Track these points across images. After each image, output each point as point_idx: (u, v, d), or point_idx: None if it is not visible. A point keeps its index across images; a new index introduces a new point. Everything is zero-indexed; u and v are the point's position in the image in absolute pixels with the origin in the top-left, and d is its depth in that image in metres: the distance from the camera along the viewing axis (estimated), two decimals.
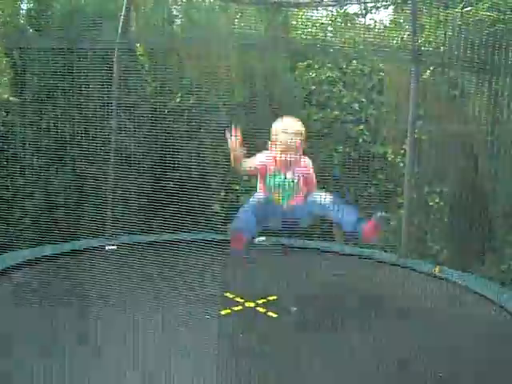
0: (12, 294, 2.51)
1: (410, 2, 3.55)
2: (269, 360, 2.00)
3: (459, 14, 3.45)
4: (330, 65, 4.30)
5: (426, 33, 3.67)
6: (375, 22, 4.23)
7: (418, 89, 3.47)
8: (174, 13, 4.33)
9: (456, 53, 3.36)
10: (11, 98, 3.68)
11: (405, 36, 3.80)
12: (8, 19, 3.71)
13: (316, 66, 4.31)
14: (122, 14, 3.44)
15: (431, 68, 3.80)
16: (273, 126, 2.56)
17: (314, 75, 4.28)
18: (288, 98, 4.15)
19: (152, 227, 3.55)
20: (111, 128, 3.47)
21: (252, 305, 2.48)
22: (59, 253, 3.07)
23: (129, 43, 3.66)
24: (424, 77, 3.77)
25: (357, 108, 4.23)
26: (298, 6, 3.91)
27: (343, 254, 3.49)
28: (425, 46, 3.69)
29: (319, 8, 4.11)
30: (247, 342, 2.12)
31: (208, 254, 2.87)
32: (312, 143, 4.14)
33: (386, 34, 4.02)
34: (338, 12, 4.13)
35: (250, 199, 2.47)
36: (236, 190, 4.13)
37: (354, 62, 4.29)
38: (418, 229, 3.96)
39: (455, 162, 3.75)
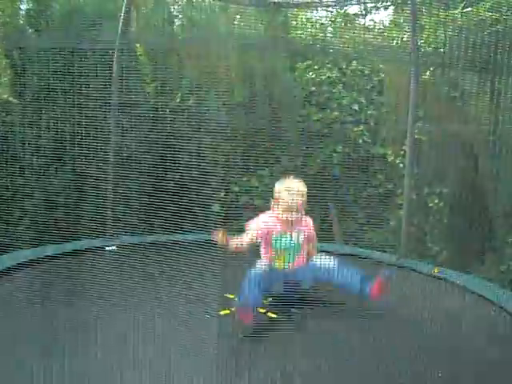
0: (11, 295, 2.50)
1: (409, 2, 3.55)
2: (269, 359, 2.00)
3: (460, 15, 3.45)
4: (329, 65, 4.30)
5: (426, 33, 3.67)
6: (375, 22, 4.23)
7: (417, 89, 3.47)
8: (174, 13, 4.33)
9: (456, 53, 3.36)
10: (11, 99, 3.68)
11: (405, 37, 3.80)
12: (7, 19, 3.71)
13: (316, 67, 4.31)
14: (122, 14, 3.44)
15: (431, 68, 3.80)
16: (276, 185, 2.56)
17: (313, 76, 4.28)
18: (288, 99, 4.15)
19: (152, 227, 3.54)
20: (111, 128, 3.47)
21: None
22: (59, 253, 3.07)
23: (129, 43, 3.65)
24: (424, 77, 3.77)
25: (356, 109, 4.23)
26: (297, 6, 3.91)
27: (342, 255, 3.48)
28: (425, 47, 3.70)
29: (319, 8, 4.11)
30: (247, 342, 2.11)
31: (207, 255, 2.86)
32: (312, 144, 4.18)
33: (386, 35, 4.02)
34: (337, 12, 4.13)
35: (253, 270, 2.42)
36: (235, 190, 4.13)
37: (354, 62, 4.29)
38: (418, 229, 3.96)
39: (455, 162, 3.75)
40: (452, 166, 3.78)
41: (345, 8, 4.10)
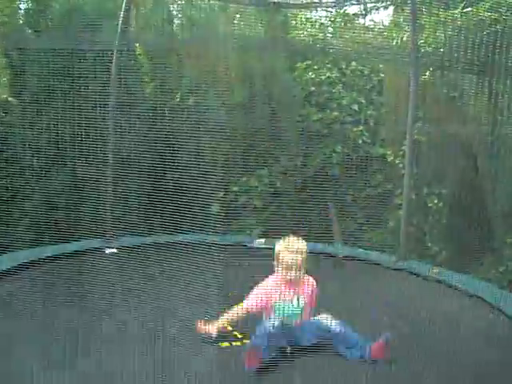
0: (9, 296, 2.51)
1: (409, 2, 3.54)
2: None
3: (459, 15, 3.45)
4: (329, 65, 4.30)
5: (426, 33, 3.66)
6: (375, 22, 4.22)
7: (417, 90, 3.46)
8: (174, 12, 4.32)
9: (456, 53, 3.35)
10: (10, 99, 3.68)
11: (404, 37, 3.79)
12: (6, 19, 3.70)
13: (315, 67, 4.30)
14: (121, 13, 3.43)
15: (431, 69, 3.79)
16: (276, 247, 2.51)
17: (313, 76, 4.28)
18: (287, 99, 4.15)
19: (151, 228, 3.54)
20: (110, 128, 3.47)
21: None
22: (58, 254, 3.08)
23: (128, 43, 3.65)
24: (423, 78, 3.77)
25: (356, 109, 4.23)
26: (297, 6, 3.90)
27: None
28: (424, 47, 3.69)
29: (319, 9, 4.10)
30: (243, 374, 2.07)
31: (206, 255, 2.86)
32: (312, 144, 4.18)
33: (386, 35, 4.01)
34: (337, 13, 4.12)
35: (261, 328, 2.31)
36: (235, 190, 4.13)
37: (354, 62, 4.28)
38: (417, 230, 3.96)
39: (454, 163, 3.75)
40: (451, 166, 3.78)
41: (344, 8, 4.09)
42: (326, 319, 2.36)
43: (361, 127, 4.19)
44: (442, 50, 3.64)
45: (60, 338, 2.06)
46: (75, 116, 3.56)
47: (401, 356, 2.12)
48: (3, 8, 3.64)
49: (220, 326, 2.40)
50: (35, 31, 3.61)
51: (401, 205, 3.72)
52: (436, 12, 3.62)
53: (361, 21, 4.17)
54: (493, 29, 3.37)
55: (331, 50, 4.13)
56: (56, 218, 3.44)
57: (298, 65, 4.29)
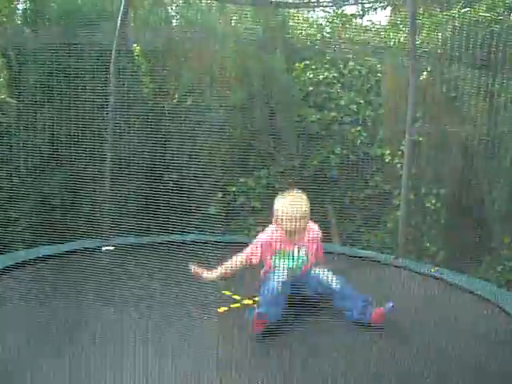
0: (6, 296, 2.49)
1: (405, 1, 3.55)
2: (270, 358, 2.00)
3: (457, 15, 3.46)
4: (327, 65, 4.30)
5: (424, 33, 3.68)
6: (373, 22, 4.23)
7: (415, 90, 3.47)
8: (172, 13, 4.33)
9: (454, 53, 3.36)
10: (8, 99, 3.67)
11: (402, 37, 3.81)
12: (4, 19, 3.70)
13: (313, 67, 4.31)
14: (120, 14, 3.43)
15: (429, 69, 3.80)
16: (275, 202, 2.44)
17: (311, 76, 4.28)
18: (285, 99, 4.15)
19: (148, 228, 3.53)
20: (108, 129, 3.46)
21: (250, 302, 2.45)
22: (55, 254, 3.06)
23: (126, 44, 3.65)
24: (422, 78, 3.78)
25: (354, 109, 4.23)
26: (295, 6, 3.91)
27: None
28: (422, 47, 3.70)
29: (317, 9, 4.11)
30: (246, 339, 2.10)
31: (204, 255, 2.86)
32: (310, 144, 4.18)
33: (384, 35, 4.02)
34: (335, 13, 4.13)
35: (266, 289, 2.26)
36: (233, 191, 4.13)
37: (352, 62, 4.29)
38: (415, 230, 3.97)
39: (452, 163, 3.76)
40: (449, 166, 3.79)
41: (342, 8, 4.10)
42: (327, 275, 2.32)
43: (359, 128, 4.19)
44: (439, 50, 3.65)
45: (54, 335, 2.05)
46: (73, 116, 3.56)
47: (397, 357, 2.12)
48: (1, 8, 3.64)
49: (217, 273, 2.36)
50: (33, 31, 3.61)
51: (399, 205, 3.72)
52: (433, 13, 3.64)
53: (358, 21, 4.19)
54: (490, 29, 3.39)
55: (329, 50, 4.14)
56: (53, 219, 3.43)
57: (296, 65, 4.30)
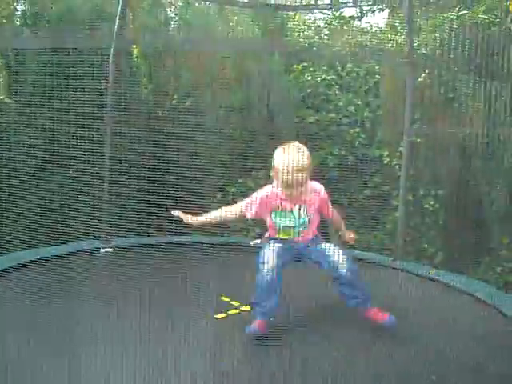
0: (4, 296, 2.49)
1: (402, 3, 3.56)
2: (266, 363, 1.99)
3: (455, 17, 3.47)
4: (325, 67, 4.31)
5: (422, 35, 3.69)
6: (371, 24, 4.25)
7: (413, 91, 3.48)
8: (171, 15, 4.33)
9: (452, 56, 3.37)
10: (6, 100, 3.67)
11: (400, 39, 3.82)
12: (4, 20, 3.70)
13: (312, 69, 4.32)
14: (118, 15, 3.43)
15: (426, 71, 3.81)
16: (275, 156, 2.32)
17: (309, 78, 4.29)
18: (284, 101, 4.15)
19: (147, 229, 3.54)
20: (106, 130, 3.46)
21: (248, 309, 2.44)
22: (53, 255, 3.06)
23: (124, 45, 3.65)
24: (420, 80, 3.79)
25: (352, 111, 4.24)
26: (294, 8, 3.92)
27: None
28: (420, 49, 3.71)
29: (315, 11, 4.12)
30: (244, 345, 2.10)
31: (203, 257, 2.86)
32: (308, 146, 4.18)
33: (382, 37, 4.03)
34: (333, 15, 4.14)
35: (265, 250, 2.19)
36: (232, 192, 4.13)
37: (350, 64, 4.30)
38: (414, 231, 3.97)
39: (450, 164, 3.77)
40: (447, 167, 3.80)
41: (340, 11, 4.11)
42: (334, 252, 2.22)
43: (357, 129, 4.20)
44: (437, 52, 3.66)
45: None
46: (72, 117, 3.56)
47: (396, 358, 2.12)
48: (0, 9, 3.64)
49: (207, 218, 2.30)
50: (32, 32, 3.61)
51: (397, 206, 3.73)
52: (432, 15, 3.65)
53: (357, 23, 4.20)
54: (488, 31, 3.40)
55: (327, 52, 4.14)
56: (51, 220, 3.42)
57: (295, 67, 4.31)
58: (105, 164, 3.46)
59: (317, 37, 4.25)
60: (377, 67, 4.24)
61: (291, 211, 2.28)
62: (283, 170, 2.20)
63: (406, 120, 3.50)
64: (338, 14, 4.20)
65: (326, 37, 4.26)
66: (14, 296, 2.49)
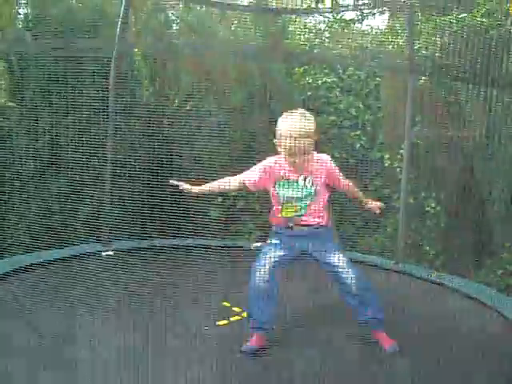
0: (5, 300, 2.49)
1: (407, 7, 3.57)
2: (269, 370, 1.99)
3: (455, 20, 3.48)
4: (326, 70, 4.32)
5: (423, 39, 3.69)
6: (371, 27, 4.26)
7: (414, 94, 3.48)
8: (172, 18, 4.34)
9: (451, 58, 3.38)
10: (9, 103, 3.68)
11: (401, 41, 3.82)
12: (5, 23, 3.70)
13: (312, 72, 4.33)
14: (120, 19, 3.44)
15: (427, 74, 3.82)
16: (278, 123, 2.18)
17: (310, 80, 4.30)
18: (285, 103, 4.16)
19: (149, 233, 3.54)
20: (108, 133, 3.47)
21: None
22: (54, 259, 3.07)
23: (127, 48, 3.66)
24: (421, 82, 3.79)
25: (353, 113, 4.25)
26: (295, 12, 3.93)
27: None
28: (421, 52, 3.71)
29: (316, 14, 4.13)
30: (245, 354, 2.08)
31: (204, 260, 2.86)
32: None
33: (383, 40, 4.04)
34: (334, 18, 4.15)
35: (261, 255, 2.10)
36: (233, 195, 4.13)
37: (351, 67, 4.30)
38: (415, 234, 3.97)
39: (451, 167, 3.77)
40: (448, 170, 3.80)
41: (341, 14, 4.12)
42: (344, 269, 2.10)
43: (358, 131, 4.20)
44: (437, 54, 3.66)
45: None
46: (74, 121, 3.57)
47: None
48: (2, 12, 3.65)
49: (205, 188, 2.21)
50: (34, 35, 3.62)
51: (398, 208, 3.72)
52: (432, 18, 3.65)
53: (358, 26, 4.21)
54: (488, 34, 3.40)
55: (328, 55, 4.15)
56: (53, 223, 3.43)
57: (296, 69, 4.32)
58: (106, 167, 3.46)
59: (317, 40, 4.26)
60: (377, 70, 4.25)
61: (296, 182, 2.16)
62: (286, 135, 2.09)
63: (406, 122, 3.50)
64: (338, 17, 4.21)
65: (326, 39, 4.27)
66: (15, 299, 2.49)
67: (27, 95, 3.57)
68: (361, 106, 4.25)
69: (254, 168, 2.26)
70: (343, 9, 4.00)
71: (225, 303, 2.46)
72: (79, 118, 3.53)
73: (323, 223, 2.23)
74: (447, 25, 3.50)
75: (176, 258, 2.97)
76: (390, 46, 3.94)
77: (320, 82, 4.29)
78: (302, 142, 2.07)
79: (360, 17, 4.11)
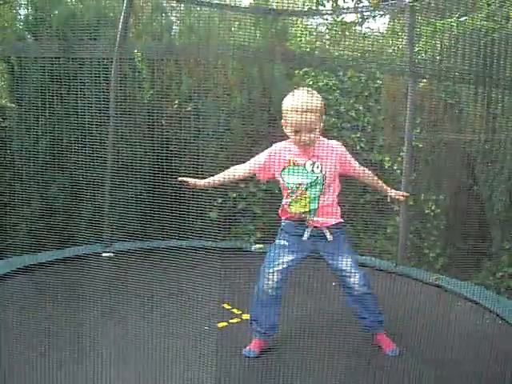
0: (6, 301, 2.50)
1: (407, 10, 3.57)
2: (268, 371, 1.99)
3: (455, 23, 3.48)
4: (326, 72, 4.32)
5: (423, 41, 3.70)
6: (372, 29, 4.26)
7: (414, 97, 3.49)
8: (173, 19, 4.35)
9: (452, 61, 3.38)
10: (9, 104, 3.68)
11: (401, 44, 3.83)
12: (6, 25, 3.71)
13: (313, 74, 4.33)
14: (121, 21, 3.45)
15: (427, 76, 3.82)
16: (283, 102, 2.09)
17: (311, 82, 4.30)
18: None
19: (149, 234, 3.54)
20: (108, 134, 3.48)
21: (249, 317, 2.44)
22: (55, 260, 3.07)
23: (127, 50, 3.66)
24: (421, 85, 3.80)
25: (354, 115, 4.25)
26: (295, 14, 3.94)
27: None
28: (421, 55, 3.72)
29: (316, 16, 4.13)
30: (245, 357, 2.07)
31: (204, 261, 2.86)
32: None
33: (383, 42, 4.05)
34: (335, 21, 4.15)
35: (270, 254, 2.05)
36: (233, 197, 4.13)
37: (351, 69, 4.31)
38: (415, 236, 3.97)
39: (452, 169, 3.77)
40: (448, 172, 3.80)
41: (342, 16, 4.13)
42: (352, 272, 2.05)
43: (358, 134, 4.21)
44: (438, 57, 3.67)
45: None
46: (74, 122, 3.57)
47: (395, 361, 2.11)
48: (3, 14, 3.65)
49: (212, 181, 2.14)
50: (34, 37, 3.63)
51: (398, 211, 3.73)
52: (432, 21, 3.66)
53: (358, 28, 4.21)
54: (489, 37, 3.41)
55: (328, 58, 4.15)
56: (53, 224, 3.43)
57: (296, 72, 4.32)
58: (107, 168, 3.47)
59: (318, 42, 4.26)
60: (377, 72, 4.25)
61: (303, 166, 2.07)
62: (291, 110, 2.00)
63: (407, 125, 3.51)
64: (339, 19, 4.21)
65: (327, 42, 4.27)
66: (15, 300, 2.49)
67: (27, 96, 3.57)
68: (361, 108, 4.26)
69: (261, 154, 2.20)
70: (344, 11, 4.01)
71: (225, 305, 2.46)
72: (80, 118, 3.53)
73: (335, 221, 2.15)
74: (448, 28, 3.50)
75: (176, 260, 2.96)
76: (391, 49, 3.95)
77: (320, 84, 4.29)
78: (308, 116, 1.97)
79: (360, 19, 4.11)
